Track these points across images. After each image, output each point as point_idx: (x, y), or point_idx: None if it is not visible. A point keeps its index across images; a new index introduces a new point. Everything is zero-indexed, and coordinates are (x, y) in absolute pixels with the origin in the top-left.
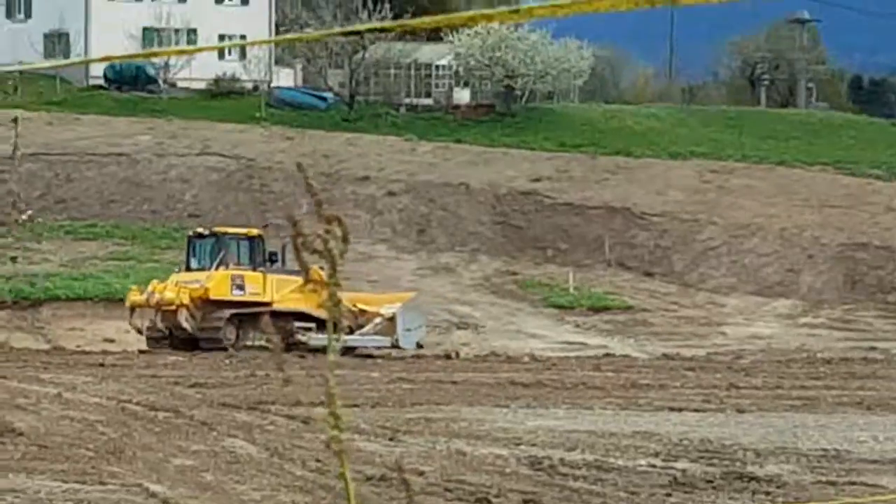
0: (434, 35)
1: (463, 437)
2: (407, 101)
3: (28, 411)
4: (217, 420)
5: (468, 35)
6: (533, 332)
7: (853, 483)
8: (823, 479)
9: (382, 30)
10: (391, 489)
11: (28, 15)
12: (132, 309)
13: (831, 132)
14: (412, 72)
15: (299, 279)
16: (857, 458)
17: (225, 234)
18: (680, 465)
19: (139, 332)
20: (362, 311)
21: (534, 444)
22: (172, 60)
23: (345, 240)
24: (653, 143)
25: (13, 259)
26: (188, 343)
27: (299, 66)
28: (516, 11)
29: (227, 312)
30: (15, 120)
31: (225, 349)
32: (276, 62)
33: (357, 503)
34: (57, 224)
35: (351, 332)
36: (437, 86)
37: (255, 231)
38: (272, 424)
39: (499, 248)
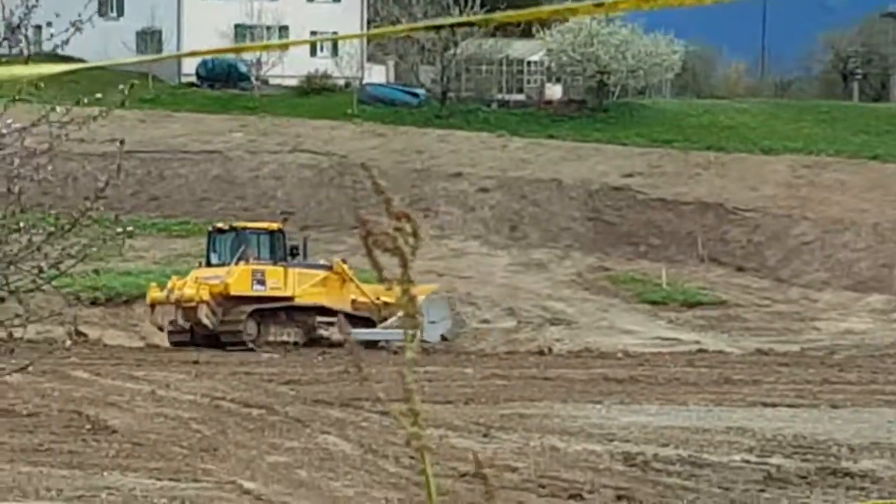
0: (525, 31)
1: (556, 434)
2: (499, 97)
3: (122, 409)
4: (310, 417)
5: (559, 31)
6: (626, 328)
7: None
8: None
9: (466, 24)
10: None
11: (120, 13)
12: (152, 306)
13: None
14: (504, 68)
15: (321, 273)
16: None
17: (245, 228)
18: (774, 460)
19: (160, 329)
20: (386, 304)
21: (627, 440)
22: (265, 57)
23: (415, 236)
24: (745, 138)
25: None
26: (210, 340)
27: (391, 63)
28: (601, 4)
29: (248, 308)
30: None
31: (245, 345)
32: (369, 59)
33: (446, 500)
34: (150, 221)
35: (374, 324)
36: (528, 82)
37: (275, 225)
38: (365, 421)
39: (591, 244)
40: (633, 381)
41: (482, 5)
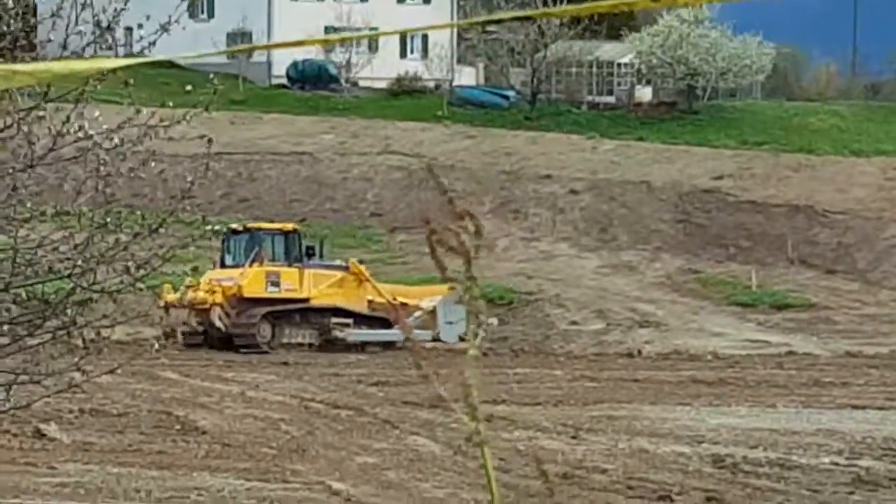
0: (615, 33)
1: (645, 435)
2: (589, 99)
3: (211, 410)
4: (399, 418)
5: (649, 33)
6: (715, 330)
7: None
8: None
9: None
10: (573, 487)
11: (211, 14)
12: (166, 308)
13: None
14: (594, 70)
15: (337, 273)
16: None
17: (260, 229)
18: (863, 462)
19: (173, 331)
20: (403, 305)
21: (716, 442)
22: (354, 59)
23: (478, 235)
24: (836, 140)
25: (194, 269)
26: (224, 342)
27: (481, 65)
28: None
29: (262, 310)
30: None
31: (259, 348)
32: (459, 61)
33: (535, 501)
34: (240, 223)
35: (390, 325)
36: (618, 84)
37: (290, 226)
38: (455, 422)
39: (681, 246)
40: (722, 383)
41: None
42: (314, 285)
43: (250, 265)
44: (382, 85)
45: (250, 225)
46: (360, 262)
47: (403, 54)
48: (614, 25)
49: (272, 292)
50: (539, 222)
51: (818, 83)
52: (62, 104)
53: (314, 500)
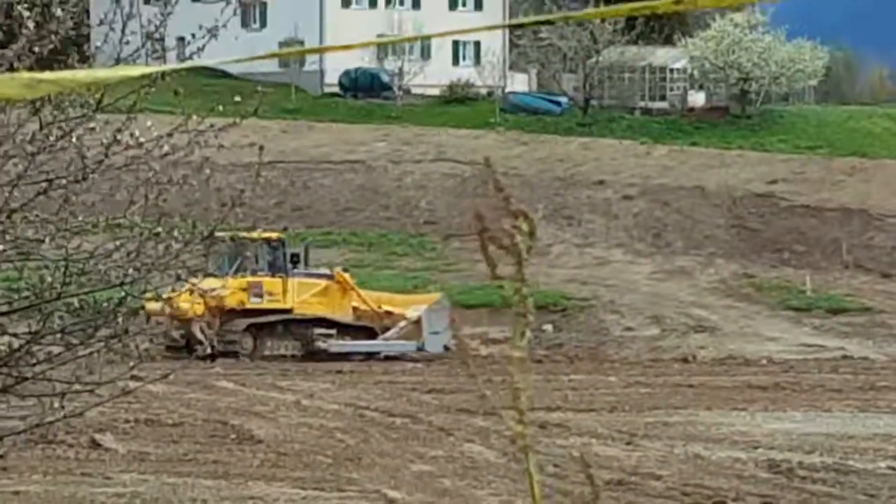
0: (667, 38)
1: (700, 441)
2: (641, 104)
3: (266, 419)
4: (454, 425)
5: (702, 38)
6: (770, 335)
7: None
8: None
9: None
10: (628, 493)
11: (263, 24)
12: (148, 318)
13: None
14: (646, 75)
15: (321, 282)
16: None
17: (244, 238)
18: None
19: (150, 341)
20: (388, 313)
21: (772, 448)
22: (407, 67)
23: (531, 235)
24: (889, 143)
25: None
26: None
27: (534, 72)
28: (680, 2)
29: (244, 322)
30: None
31: (239, 359)
32: (511, 67)
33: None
34: (293, 232)
35: (375, 335)
36: (671, 89)
37: (275, 234)
38: (509, 430)
39: (735, 251)
40: (777, 388)
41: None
42: (297, 295)
43: (234, 275)
44: (435, 92)
45: (234, 234)
46: (345, 270)
47: (456, 61)
48: (667, 31)
49: (255, 303)
50: (593, 228)
51: (872, 87)
52: (113, 115)
53: None
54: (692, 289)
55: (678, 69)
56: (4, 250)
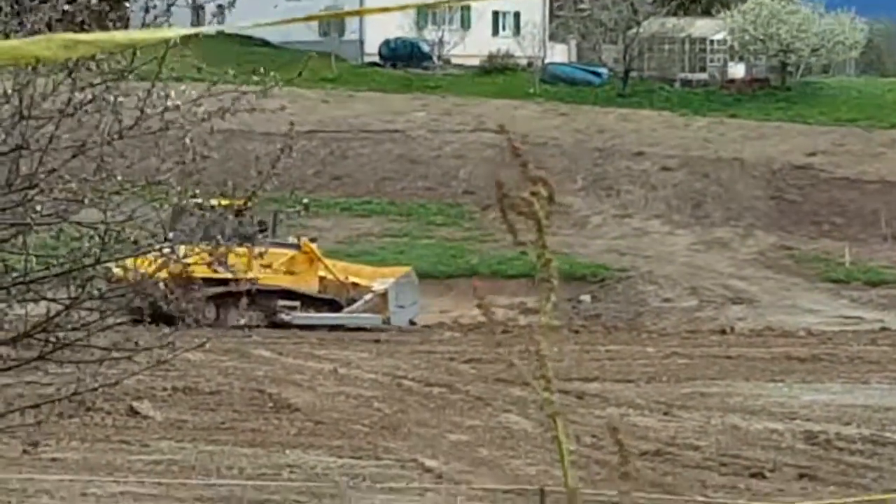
0: (707, 10)
1: (738, 412)
2: (681, 76)
3: (304, 387)
4: (492, 395)
5: (741, 10)
6: (808, 307)
7: None
8: None
9: None
10: (666, 464)
11: None
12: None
13: None
14: (686, 47)
15: (288, 252)
16: None
17: (210, 206)
18: None
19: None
20: (355, 285)
21: (809, 419)
22: (447, 37)
23: (551, 200)
24: None
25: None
26: (167, 320)
27: (573, 42)
28: None
29: (208, 290)
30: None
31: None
32: (550, 38)
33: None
34: (333, 201)
35: (340, 307)
36: (711, 60)
37: (240, 202)
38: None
39: (774, 223)
40: (815, 359)
41: None
42: (263, 265)
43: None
44: (475, 63)
45: (199, 201)
46: (313, 240)
47: (496, 32)
48: (707, 2)
49: (219, 272)
50: (632, 199)
51: None
52: (148, 82)
53: (406, 478)
54: (730, 260)
55: (718, 41)
56: (41, 213)
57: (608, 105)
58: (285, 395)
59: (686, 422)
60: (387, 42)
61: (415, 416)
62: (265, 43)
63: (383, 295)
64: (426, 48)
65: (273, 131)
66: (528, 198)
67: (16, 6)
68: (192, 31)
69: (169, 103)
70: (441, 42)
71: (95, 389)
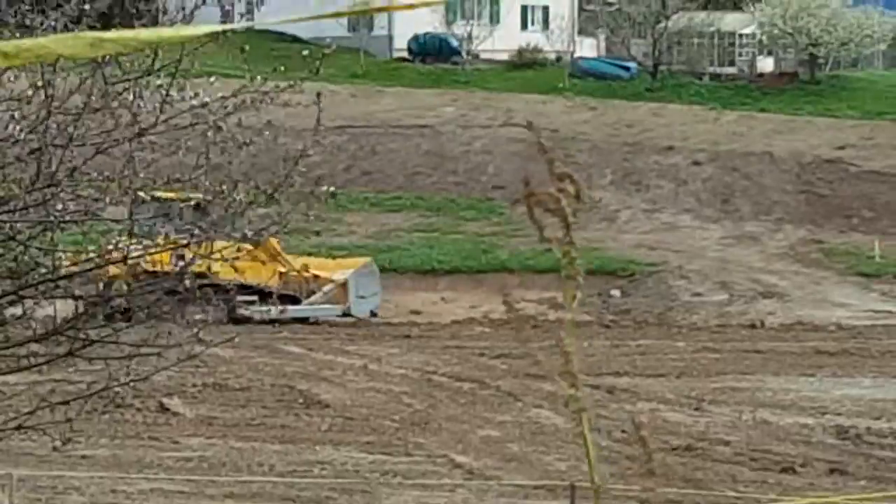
0: (736, 4)
1: (768, 407)
2: (710, 70)
3: (334, 383)
4: (522, 391)
5: (769, 4)
6: (839, 301)
7: None
8: None
9: None
10: (697, 459)
11: None
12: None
13: None
14: (715, 41)
15: (246, 246)
16: None
17: (168, 199)
18: None
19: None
20: (315, 277)
21: (839, 413)
22: (476, 31)
23: (578, 197)
24: None
25: (316, 233)
26: (125, 315)
27: (602, 37)
28: None
29: (164, 285)
30: (318, 95)
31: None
32: (579, 32)
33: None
34: (362, 196)
35: (299, 301)
36: (740, 54)
37: (199, 195)
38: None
39: (803, 217)
40: (845, 353)
41: None
42: (221, 259)
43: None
44: (503, 57)
45: (158, 194)
46: (277, 240)
47: (524, 26)
48: None
49: (177, 266)
50: (661, 194)
51: None
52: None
53: (437, 473)
54: (760, 254)
55: (747, 34)
56: (67, 209)
57: (637, 99)
58: (315, 391)
59: (716, 417)
60: (416, 37)
61: (445, 411)
62: (295, 39)
63: (343, 285)
64: (455, 43)
65: (303, 127)
66: (554, 194)
67: (39, 3)
68: (219, 28)
69: (195, 101)
70: (470, 37)
71: (125, 384)
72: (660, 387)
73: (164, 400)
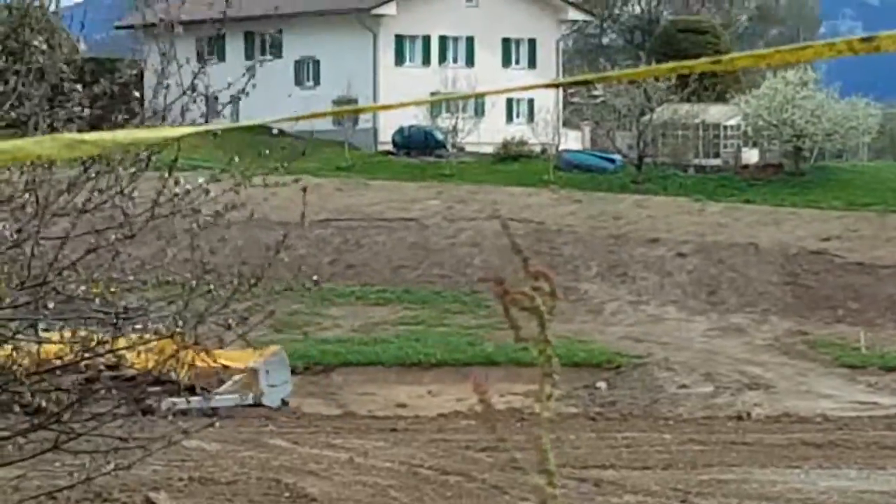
0: (721, 96)
1: (755, 499)
2: (695, 161)
3: (321, 477)
4: (509, 483)
5: (754, 96)
6: (825, 392)
7: None
8: None
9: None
10: None
11: (317, 82)
12: None
13: None
14: (700, 132)
15: (155, 337)
16: None
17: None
18: None
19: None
20: (225, 367)
21: None
22: (461, 125)
23: (552, 295)
24: None
25: (304, 335)
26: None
27: (587, 129)
28: (718, 61)
29: (68, 379)
30: (304, 189)
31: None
32: (564, 125)
33: None
34: (348, 290)
35: (206, 391)
36: (725, 146)
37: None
38: (563, 487)
39: (789, 308)
40: (832, 445)
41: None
42: (129, 351)
43: (60, 329)
44: (489, 150)
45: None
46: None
47: (510, 119)
48: (721, 88)
49: (82, 358)
50: (647, 286)
51: None
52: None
53: None
54: (746, 346)
55: (732, 126)
56: (55, 308)
57: (622, 191)
58: (301, 484)
59: None
60: (400, 130)
61: None
62: (281, 132)
63: (253, 373)
64: (440, 136)
65: (289, 220)
66: (529, 293)
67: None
68: (196, 129)
69: (178, 190)
70: (455, 129)
71: (107, 475)
72: (646, 479)
73: (151, 494)
